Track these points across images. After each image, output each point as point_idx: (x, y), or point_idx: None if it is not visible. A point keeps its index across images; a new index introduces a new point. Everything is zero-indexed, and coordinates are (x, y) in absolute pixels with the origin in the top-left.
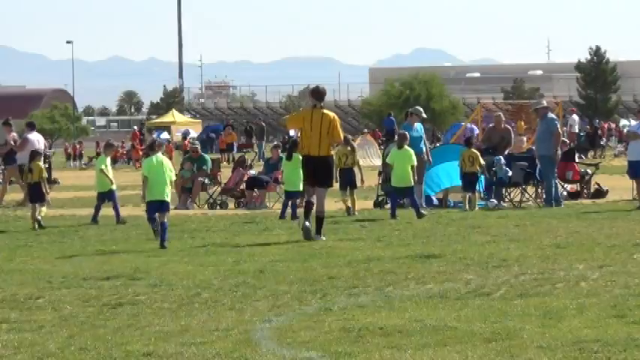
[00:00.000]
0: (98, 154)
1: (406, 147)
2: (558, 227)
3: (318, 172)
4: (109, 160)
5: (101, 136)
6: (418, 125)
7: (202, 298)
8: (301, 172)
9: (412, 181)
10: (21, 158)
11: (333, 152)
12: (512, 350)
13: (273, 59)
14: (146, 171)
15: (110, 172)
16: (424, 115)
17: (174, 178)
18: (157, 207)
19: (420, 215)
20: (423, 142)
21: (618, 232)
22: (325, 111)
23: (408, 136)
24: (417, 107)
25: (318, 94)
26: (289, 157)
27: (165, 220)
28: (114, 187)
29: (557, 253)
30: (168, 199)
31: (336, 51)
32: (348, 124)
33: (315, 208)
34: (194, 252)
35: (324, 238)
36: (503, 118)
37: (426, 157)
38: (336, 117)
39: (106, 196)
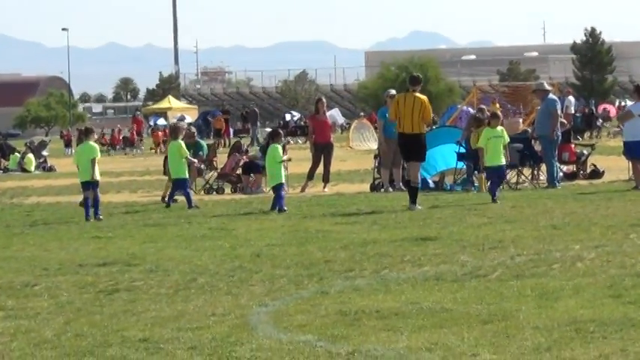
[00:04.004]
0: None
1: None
2: (554, 208)
3: (411, 148)
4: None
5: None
6: None
7: (198, 283)
8: (184, 161)
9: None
10: None
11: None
12: (508, 331)
13: (268, 44)
14: (77, 159)
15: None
16: None
17: (98, 156)
18: (88, 186)
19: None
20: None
21: (614, 212)
22: (418, 94)
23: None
24: (391, 90)
25: (412, 79)
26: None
27: (98, 194)
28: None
29: (553, 234)
30: (97, 178)
31: (332, 35)
32: (344, 108)
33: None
34: (190, 237)
35: (419, 207)
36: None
37: None
38: (427, 100)
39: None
